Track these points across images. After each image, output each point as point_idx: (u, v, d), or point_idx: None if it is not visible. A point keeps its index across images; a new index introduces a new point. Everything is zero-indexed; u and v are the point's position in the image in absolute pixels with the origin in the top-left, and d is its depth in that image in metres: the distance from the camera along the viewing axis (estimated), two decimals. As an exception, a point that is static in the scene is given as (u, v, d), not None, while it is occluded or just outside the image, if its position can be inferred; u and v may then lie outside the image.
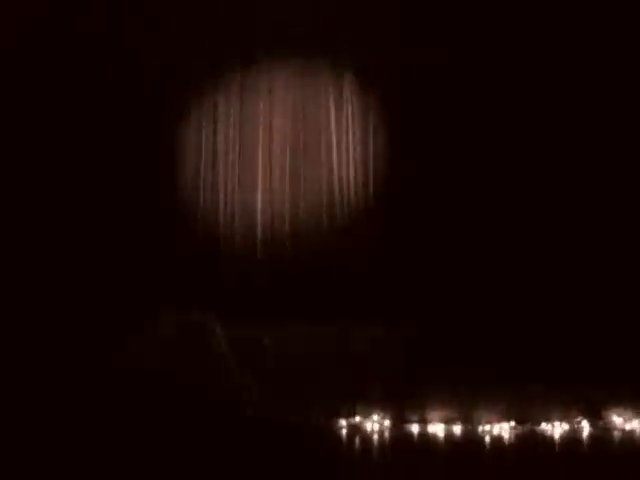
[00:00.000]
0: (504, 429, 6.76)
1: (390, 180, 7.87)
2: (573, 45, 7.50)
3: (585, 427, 6.76)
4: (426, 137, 7.62)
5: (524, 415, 6.85)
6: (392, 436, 6.77)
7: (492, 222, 7.51)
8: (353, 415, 7.06)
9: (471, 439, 6.60)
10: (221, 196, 8.17)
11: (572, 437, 6.60)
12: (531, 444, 6.44)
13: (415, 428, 6.91)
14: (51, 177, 7.78)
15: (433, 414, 6.96)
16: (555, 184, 7.46)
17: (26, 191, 7.78)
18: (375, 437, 6.76)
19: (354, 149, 8.05)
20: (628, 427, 6.74)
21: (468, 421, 6.89)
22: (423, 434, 6.78)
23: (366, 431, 6.91)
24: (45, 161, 7.83)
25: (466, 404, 6.95)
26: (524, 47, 7.54)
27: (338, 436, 6.79)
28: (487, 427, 6.80)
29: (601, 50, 7.47)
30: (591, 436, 6.62)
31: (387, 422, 7.00)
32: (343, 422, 7.04)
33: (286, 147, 8.12)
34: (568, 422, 6.78)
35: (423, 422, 6.95)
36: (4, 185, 7.76)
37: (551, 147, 7.49)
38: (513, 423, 6.79)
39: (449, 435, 6.72)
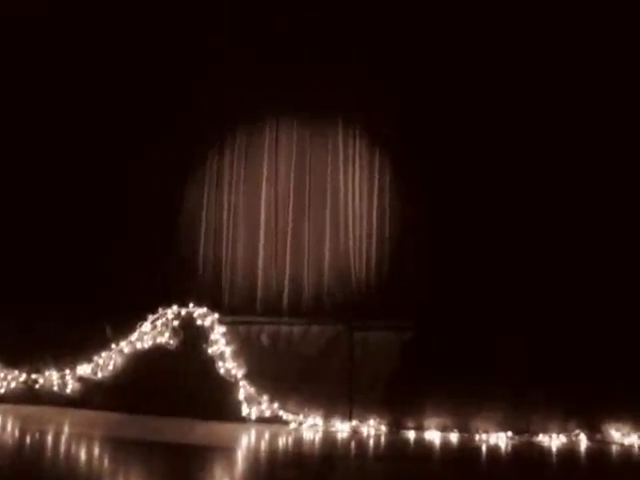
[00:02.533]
0: (501, 439, 6.70)
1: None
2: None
3: (582, 440, 6.70)
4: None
5: (522, 425, 6.79)
6: (388, 442, 6.70)
7: (491, 238, 7.50)
8: (349, 419, 6.99)
9: (467, 448, 6.53)
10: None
11: (569, 449, 6.54)
12: (528, 455, 6.37)
13: (411, 435, 6.86)
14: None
15: (430, 421, 6.90)
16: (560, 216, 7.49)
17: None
18: (371, 442, 6.68)
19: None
20: (626, 442, 6.67)
21: (465, 430, 6.83)
22: (419, 441, 6.71)
23: (362, 436, 6.84)
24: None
25: (463, 412, 6.87)
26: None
27: (334, 439, 6.72)
28: (484, 436, 6.75)
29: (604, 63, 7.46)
30: (588, 449, 6.56)
31: (383, 427, 6.95)
32: (339, 425, 6.98)
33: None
34: (566, 434, 6.73)
35: (420, 429, 6.89)
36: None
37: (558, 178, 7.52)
38: (510, 433, 6.74)
39: (445, 443, 6.65)
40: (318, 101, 8.06)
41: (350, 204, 8.07)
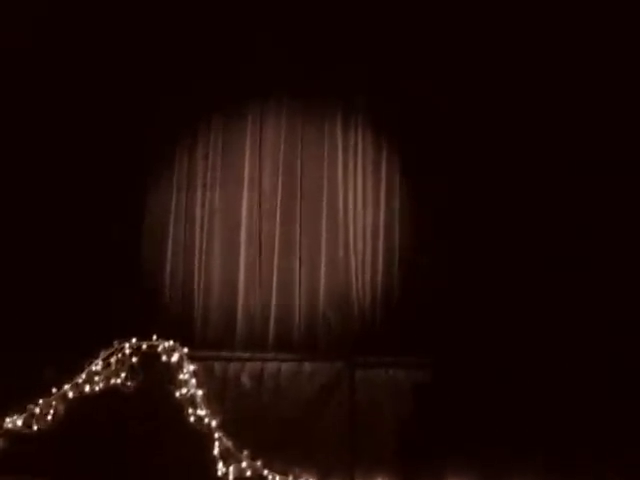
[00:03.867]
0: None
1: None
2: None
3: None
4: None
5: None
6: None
7: (523, 252, 6.85)
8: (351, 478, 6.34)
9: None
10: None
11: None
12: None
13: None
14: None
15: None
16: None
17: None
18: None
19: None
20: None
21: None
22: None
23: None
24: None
25: (492, 473, 6.10)
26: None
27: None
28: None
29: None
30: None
31: (393, 490, 6.36)
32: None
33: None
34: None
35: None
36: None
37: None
38: (550, 499, 5.97)
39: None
40: (311, 82, 7.32)
41: (351, 210, 7.36)
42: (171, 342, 6.57)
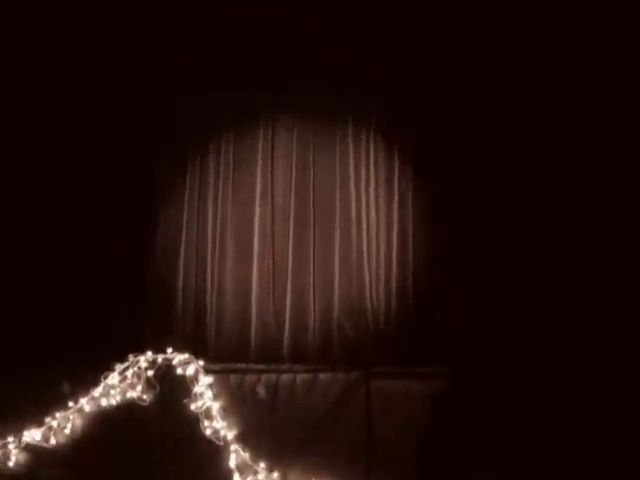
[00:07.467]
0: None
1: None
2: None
3: None
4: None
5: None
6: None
7: (543, 260, 6.70)
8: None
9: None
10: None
11: None
12: None
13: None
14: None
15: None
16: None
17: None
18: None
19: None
20: None
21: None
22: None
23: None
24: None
25: None
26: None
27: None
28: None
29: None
30: None
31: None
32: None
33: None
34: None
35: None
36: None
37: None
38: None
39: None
40: (323, 95, 7.21)
41: (364, 222, 7.23)
42: (186, 355, 6.47)
